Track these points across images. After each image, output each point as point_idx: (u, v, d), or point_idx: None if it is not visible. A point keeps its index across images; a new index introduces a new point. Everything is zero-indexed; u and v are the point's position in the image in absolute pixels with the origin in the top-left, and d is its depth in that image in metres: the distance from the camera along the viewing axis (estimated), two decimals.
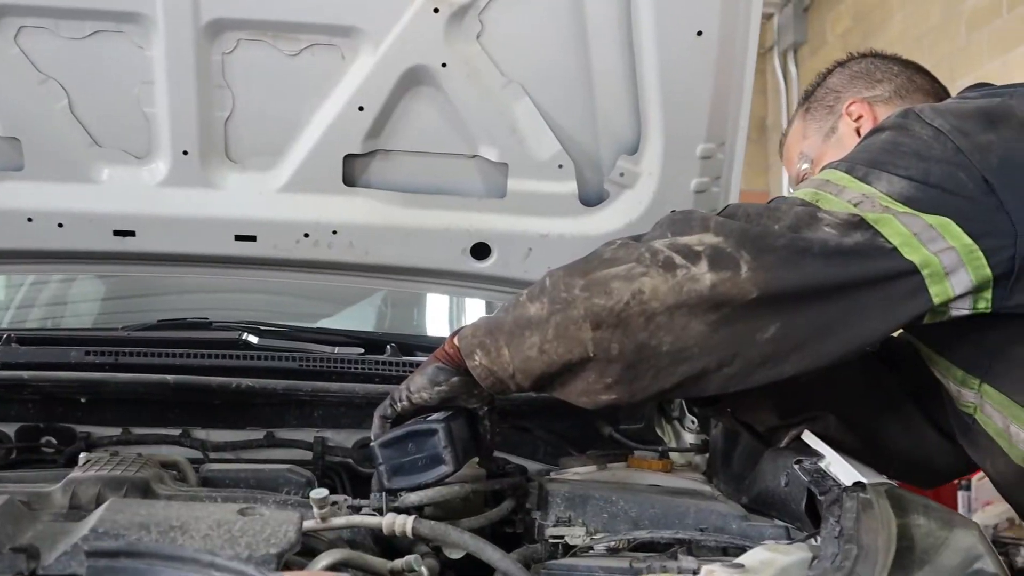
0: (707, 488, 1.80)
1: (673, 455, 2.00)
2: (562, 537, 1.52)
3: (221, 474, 1.67)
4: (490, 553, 1.34)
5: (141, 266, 2.01)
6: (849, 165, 1.44)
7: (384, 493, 1.51)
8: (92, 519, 1.21)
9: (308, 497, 1.61)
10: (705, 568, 1.18)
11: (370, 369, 1.97)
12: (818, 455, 1.53)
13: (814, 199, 1.41)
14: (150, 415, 1.98)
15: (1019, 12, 7.23)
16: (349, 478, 1.99)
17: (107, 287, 3.12)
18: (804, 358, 1.38)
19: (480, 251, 2.03)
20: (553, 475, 1.88)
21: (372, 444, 1.53)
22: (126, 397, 1.91)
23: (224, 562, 0.91)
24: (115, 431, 1.97)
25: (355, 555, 1.29)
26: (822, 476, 1.45)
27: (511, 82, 1.90)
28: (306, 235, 1.98)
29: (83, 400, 1.91)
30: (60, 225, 1.95)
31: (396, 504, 1.50)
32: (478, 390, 1.53)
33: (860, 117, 1.77)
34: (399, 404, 1.56)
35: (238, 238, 1.98)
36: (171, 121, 1.89)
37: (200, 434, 1.99)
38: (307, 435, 2.01)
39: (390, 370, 1.97)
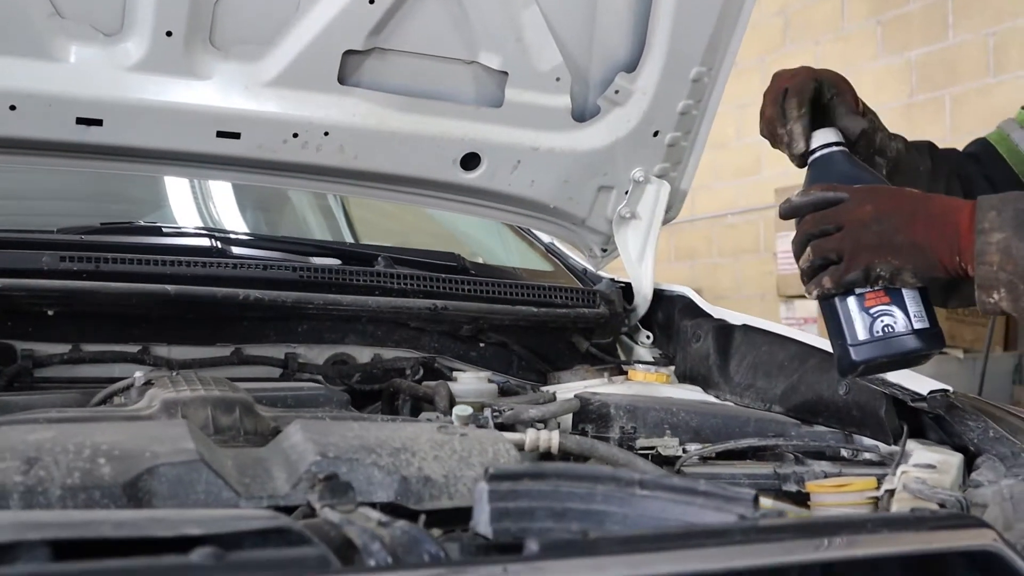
0: (714, 398, 1.88)
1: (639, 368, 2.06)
2: (654, 448, 1.53)
3: (260, 394, 1.52)
4: (642, 465, 1.35)
5: (105, 161, 1.75)
6: None
7: (490, 409, 1.45)
8: (299, 443, 1.10)
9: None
10: (901, 468, 1.26)
11: (371, 281, 1.85)
12: None
13: None
14: (108, 330, 1.75)
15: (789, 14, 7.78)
16: None
17: None
18: None
19: (469, 161, 1.96)
20: (553, 388, 1.89)
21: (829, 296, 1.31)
22: (105, 311, 1.68)
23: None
24: (63, 348, 1.73)
25: None
26: (888, 384, 1.57)
27: None
28: (295, 135, 1.82)
29: (50, 313, 1.66)
30: (12, 108, 1.65)
31: (501, 420, 1.46)
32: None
33: None
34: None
35: (220, 134, 1.77)
36: None
37: (162, 351, 1.80)
38: (278, 351, 1.87)
39: (389, 282, 1.86)
